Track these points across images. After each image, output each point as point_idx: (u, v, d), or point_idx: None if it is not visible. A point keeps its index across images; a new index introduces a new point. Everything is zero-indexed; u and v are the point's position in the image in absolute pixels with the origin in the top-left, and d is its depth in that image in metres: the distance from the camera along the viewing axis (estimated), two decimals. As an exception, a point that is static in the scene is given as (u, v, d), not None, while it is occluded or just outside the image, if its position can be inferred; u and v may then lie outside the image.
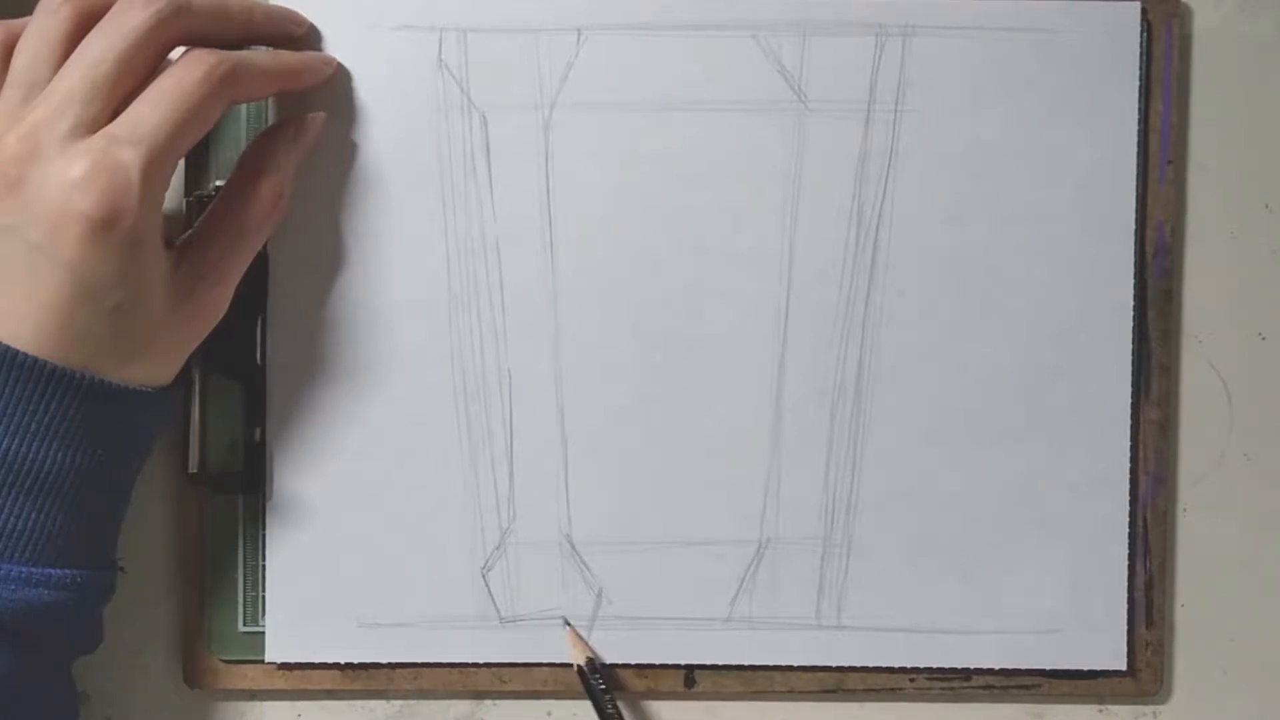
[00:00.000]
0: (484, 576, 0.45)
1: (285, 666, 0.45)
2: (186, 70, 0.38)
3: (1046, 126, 0.45)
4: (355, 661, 0.45)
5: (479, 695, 0.46)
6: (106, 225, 0.36)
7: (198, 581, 0.45)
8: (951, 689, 0.45)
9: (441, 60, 0.44)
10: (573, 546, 0.45)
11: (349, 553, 0.45)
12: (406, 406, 0.45)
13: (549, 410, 0.45)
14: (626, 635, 0.45)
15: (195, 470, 0.44)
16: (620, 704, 0.46)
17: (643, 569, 0.45)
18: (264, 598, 0.45)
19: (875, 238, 0.45)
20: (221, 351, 0.44)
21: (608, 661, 0.45)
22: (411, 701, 0.46)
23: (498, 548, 0.45)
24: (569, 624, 0.45)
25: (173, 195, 0.43)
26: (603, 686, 0.44)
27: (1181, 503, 0.46)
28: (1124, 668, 0.45)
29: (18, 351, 0.36)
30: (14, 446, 0.37)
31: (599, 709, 0.44)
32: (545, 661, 0.45)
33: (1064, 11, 0.45)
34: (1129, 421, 0.45)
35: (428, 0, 0.44)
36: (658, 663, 0.45)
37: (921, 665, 0.45)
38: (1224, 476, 0.47)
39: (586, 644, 0.45)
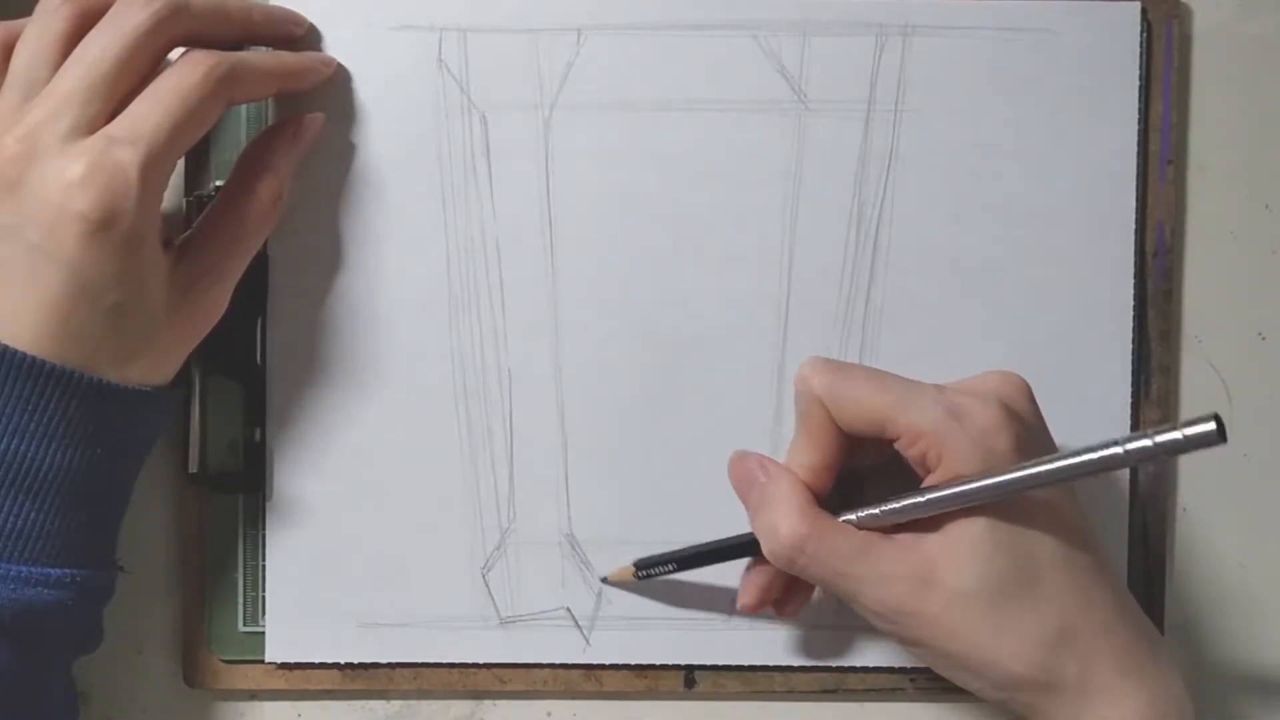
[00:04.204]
0: (484, 576, 0.45)
1: (285, 666, 0.45)
2: (185, 71, 0.38)
3: (1046, 126, 0.45)
4: (355, 661, 0.45)
5: (479, 695, 0.46)
6: (105, 225, 0.36)
7: (198, 581, 0.45)
8: (952, 689, 0.45)
9: (441, 60, 0.44)
10: (573, 546, 0.45)
11: (349, 553, 0.45)
12: (406, 406, 0.45)
13: (549, 410, 0.45)
14: (626, 635, 0.45)
15: (195, 470, 0.44)
16: (619, 702, 0.46)
17: (643, 569, 0.45)
18: (264, 598, 0.45)
19: (875, 238, 0.45)
20: (221, 351, 0.44)
21: (607, 662, 0.45)
22: (411, 701, 0.46)
23: (498, 548, 0.45)
24: (605, 580, 0.45)
25: (172, 195, 0.43)
26: (660, 569, 0.44)
27: (1181, 503, 0.46)
28: (1124, 668, 0.45)
29: (17, 351, 0.36)
30: (13, 446, 0.37)
31: (684, 566, 0.44)
32: (545, 661, 0.45)
33: (1064, 11, 0.45)
34: (1129, 421, 0.45)
35: (428, 0, 0.44)
36: (658, 663, 0.45)
37: (922, 665, 0.45)
38: (1224, 476, 0.46)
39: (622, 569, 0.44)
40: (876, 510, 0.39)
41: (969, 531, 0.37)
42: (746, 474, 0.41)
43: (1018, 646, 0.37)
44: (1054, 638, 0.37)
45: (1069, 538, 0.38)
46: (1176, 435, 0.33)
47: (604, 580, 0.45)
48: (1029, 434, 0.39)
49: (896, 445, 0.39)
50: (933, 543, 0.38)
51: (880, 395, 0.38)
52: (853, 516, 0.39)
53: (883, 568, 0.38)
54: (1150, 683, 0.38)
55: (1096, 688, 0.37)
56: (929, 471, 0.38)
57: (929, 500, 0.37)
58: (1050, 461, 0.36)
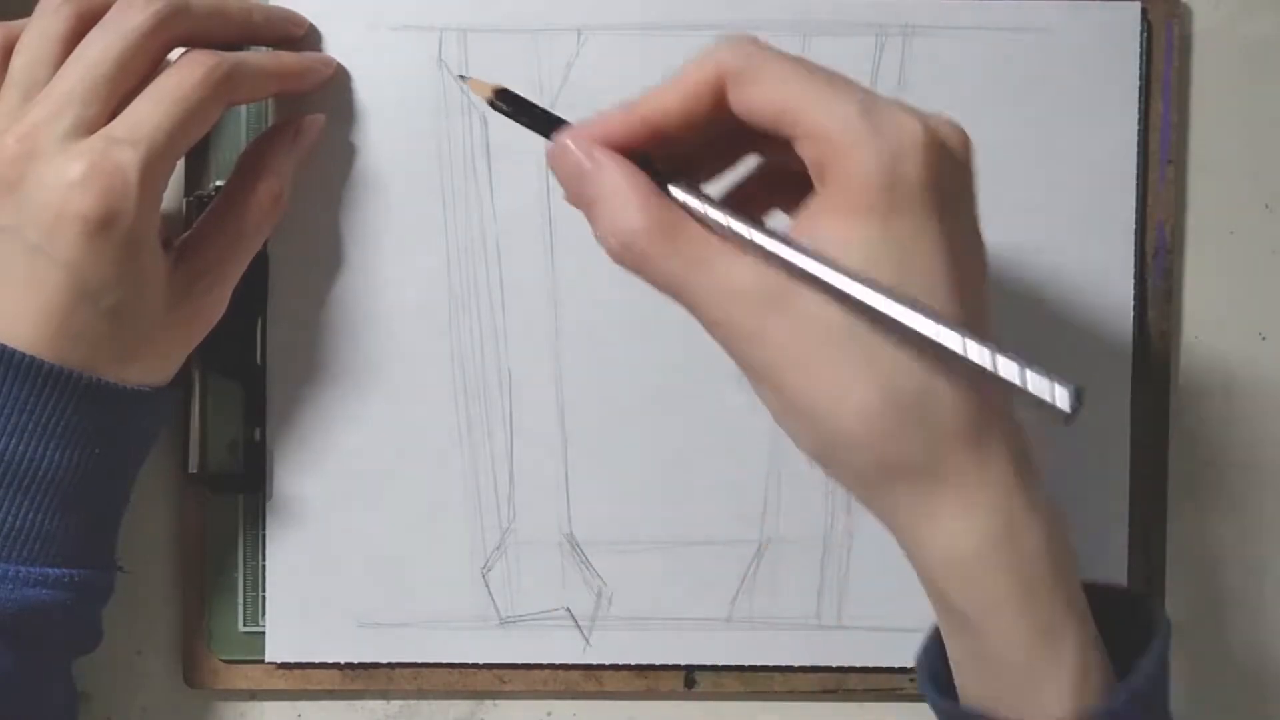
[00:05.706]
0: (484, 576, 0.45)
1: (285, 666, 0.45)
2: (185, 71, 0.38)
3: (1046, 126, 0.45)
4: (355, 661, 0.45)
5: (479, 695, 0.46)
6: (104, 225, 0.36)
7: (198, 581, 0.45)
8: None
9: (441, 60, 0.44)
10: (573, 546, 0.45)
11: (349, 553, 0.45)
12: (406, 406, 0.45)
13: (549, 410, 0.45)
14: (627, 635, 0.45)
15: (195, 470, 0.44)
16: (619, 702, 0.46)
17: (643, 569, 0.45)
18: (264, 598, 0.45)
19: (875, 238, 0.45)
20: (221, 351, 0.44)
21: (607, 662, 0.45)
22: (411, 701, 0.46)
23: (498, 548, 0.45)
24: (465, 76, 0.41)
25: (173, 195, 0.43)
26: (513, 108, 0.38)
27: (1181, 502, 0.46)
28: (1124, 668, 0.45)
29: (16, 351, 0.36)
30: (13, 446, 0.37)
31: (534, 125, 0.38)
32: (545, 662, 0.45)
33: (1064, 11, 0.45)
34: (1129, 421, 0.45)
35: (428, 0, 0.44)
36: (658, 663, 0.45)
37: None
38: (1224, 477, 0.46)
39: (485, 82, 0.37)
40: (721, 218, 0.31)
41: (845, 242, 0.30)
42: (572, 167, 0.34)
43: (864, 396, 0.30)
44: (911, 401, 0.30)
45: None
46: (1019, 382, 0.29)
47: (461, 77, 0.41)
48: (950, 181, 0.32)
49: (796, 147, 0.31)
50: None
51: (795, 83, 0.31)
52: (698, 206, 0.32)
53: (731, 281, 0.31)
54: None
55: (947, 479, 0.31)
56: (822, 187, 0.31)
57: (780, 251, 0.30)
58: (908, 304, 0.30)
